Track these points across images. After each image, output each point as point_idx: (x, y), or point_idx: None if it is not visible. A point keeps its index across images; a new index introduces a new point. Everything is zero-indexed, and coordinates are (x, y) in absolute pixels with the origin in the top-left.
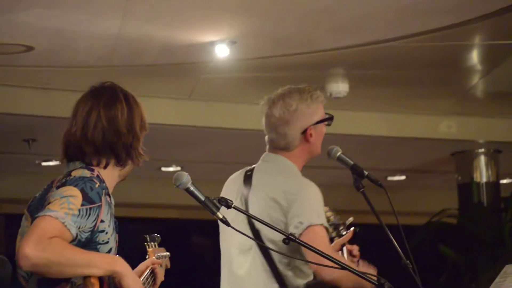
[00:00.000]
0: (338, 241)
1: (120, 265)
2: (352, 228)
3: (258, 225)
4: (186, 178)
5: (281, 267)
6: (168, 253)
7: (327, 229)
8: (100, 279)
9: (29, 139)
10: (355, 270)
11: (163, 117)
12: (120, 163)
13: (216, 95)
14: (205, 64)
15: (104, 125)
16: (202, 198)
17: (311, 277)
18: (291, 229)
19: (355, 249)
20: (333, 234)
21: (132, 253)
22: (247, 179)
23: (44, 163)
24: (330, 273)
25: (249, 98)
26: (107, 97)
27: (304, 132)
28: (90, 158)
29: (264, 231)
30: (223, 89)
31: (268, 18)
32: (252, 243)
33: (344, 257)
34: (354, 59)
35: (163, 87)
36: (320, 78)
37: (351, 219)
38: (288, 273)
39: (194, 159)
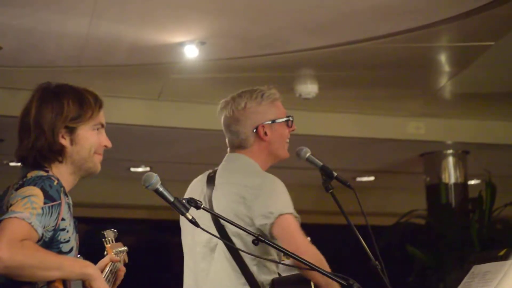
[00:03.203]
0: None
1: (91, 269)
2: None
3: (223, 221)
4: (155, 179)
5: (247, 262)
6: (125, 248)
7: (297, 218)
8: (64, 283)
9: None
10: (323, 270)
11: (132, 117)
12: (50, 163)
13: (185, 96)
14: (174, 64)
15: (19, 129)
16: (171, 199)
17: (275, 274)
18: (261, 220)
19: None
20: None
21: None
22: (210, 180)
23: (12, 164)
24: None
25: (218, 99)
26: (27, 101)
27: (256, 129)
28: (39, 163)
29: (230, 226)
30: (192, 90)
31: (237, 19)
32: (218, 240)
33: None
34: (323, 60)
35: (132, 88)
36: (290, 79)
37: None
38: (253, 269)
39: (163, 159)
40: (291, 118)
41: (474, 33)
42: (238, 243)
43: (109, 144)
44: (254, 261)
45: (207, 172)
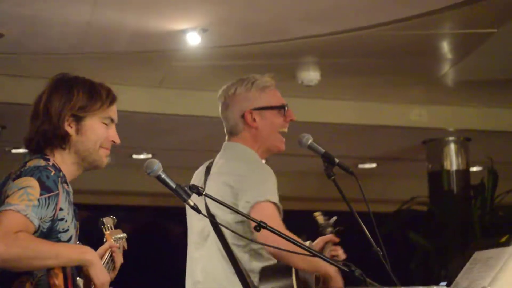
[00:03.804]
0: (322, 238)
1: (89, 254)
2: (337, 228)
3: (213, 210)
4: (157, 165)
5: (236, 250)
6: (124, 235)
7: (277, 207)
8: (64, 270)
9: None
10: (325, 257)
11: (134, 104)
12: (52, 149)
13: (187, 83)
14: (176, 52)
15: (31, 114)
16: (173, 186)
17: (270, 261)
18: (242, 209)
19: (338, 251)
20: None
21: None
22: (208, 170)
23: (14, 150)
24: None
25: (220, 86)
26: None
27: (243, 115)
28: (41, 148)
29: (220, 215)
30: (194, 77)
31: (239, 6)
32: (210, 229)
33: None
34: (325, 47)
35: (134, 75)
36: (292, 66)
37: (334, 218)
38: (244, 256)
39: (165, 146)
40: (285, 107)
41: (476, 20)
42: (226, 233)
43: (117, 140)
44: (246, 249)
45: (207, 162)
